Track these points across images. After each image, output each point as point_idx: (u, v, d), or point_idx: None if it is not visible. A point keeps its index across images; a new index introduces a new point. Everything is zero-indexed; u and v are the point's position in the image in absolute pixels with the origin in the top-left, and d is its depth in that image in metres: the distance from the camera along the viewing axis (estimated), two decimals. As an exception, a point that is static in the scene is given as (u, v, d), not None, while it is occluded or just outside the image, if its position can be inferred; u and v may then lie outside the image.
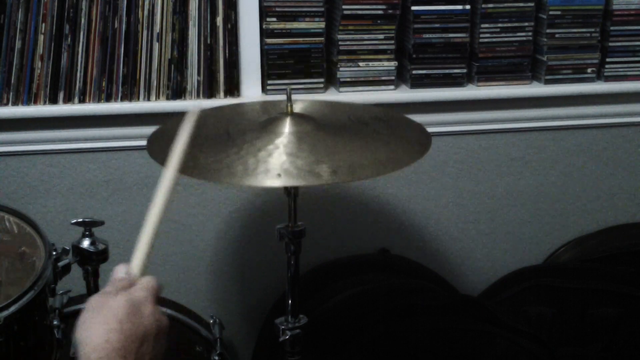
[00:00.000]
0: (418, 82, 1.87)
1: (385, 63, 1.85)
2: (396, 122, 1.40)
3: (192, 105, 1.19)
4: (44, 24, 1.67)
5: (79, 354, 0.90)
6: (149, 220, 1.04)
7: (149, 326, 0.94)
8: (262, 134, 1.29)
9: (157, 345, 0.95)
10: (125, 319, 0.91)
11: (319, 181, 1.15)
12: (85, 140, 1.77)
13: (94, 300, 0.95)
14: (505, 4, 1.85)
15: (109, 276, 1.00)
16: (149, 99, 1.74)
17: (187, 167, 1.22)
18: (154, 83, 1.74)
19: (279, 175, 1.16)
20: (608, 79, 1.96)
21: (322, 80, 1.83)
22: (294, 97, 1.36)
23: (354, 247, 2.01)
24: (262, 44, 1.79)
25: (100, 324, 0.91)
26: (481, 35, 1.87)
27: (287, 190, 1.37)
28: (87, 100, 1.72)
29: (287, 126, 1.30)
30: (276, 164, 1.19)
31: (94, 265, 1.38)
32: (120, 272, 0.98)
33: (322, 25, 1.80)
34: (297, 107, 1.43)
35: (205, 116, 1.49)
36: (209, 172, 1.20)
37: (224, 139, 1.31)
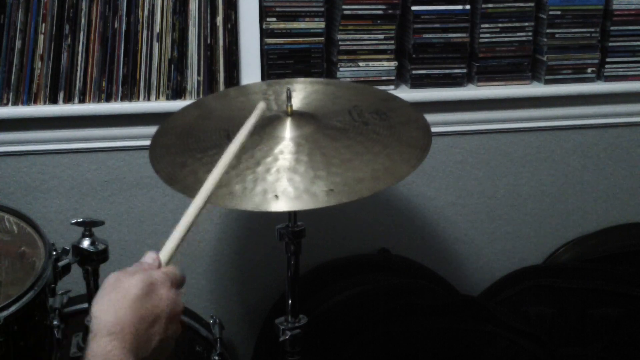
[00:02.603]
0: (418, 82, 1.87)
1: (385, 63, 1.85)
2: (397, 116, 1.40)
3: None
4: (44, 24, 1.67)
5: (91, 329, 0.93)
6: (187, 215, 1.07)
7: (162, 308, 0.96)
8: (262, 138, 1.30)
9: (170, 328, 0.98)
10: (138, 298, 0.94)
11: (316, 203, 1.18)
12: (85, 140, 1.77)
13: (111, 278, 0.97)
14: (505, 4, 1.85)
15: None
16: (149, 99, 1.74)
17: (187, 184, 1.23)
18: (154, 83, 1.74)
19: (276, 196, 1.19)
20: (608, 79, 1.96)
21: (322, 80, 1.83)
22: (294, 86, 1.36)
23: (354, 247, 2.01)
24: (262, 44, 1.79)
25: (113, 301, 0.94)
26: (481, 35, 1.87)
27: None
28: (87, 100, 1.72)
29: (287, 130, 1.30)
30: (274, 182, 1.21)
31: (94, 265, 1.38)
32: (149, 257, 1.01)
33: (322, 25, 1.80)
34: (298, 96, 1.43)
35: (209, 106, 1.50)
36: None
37: (224, 143, 1.31)
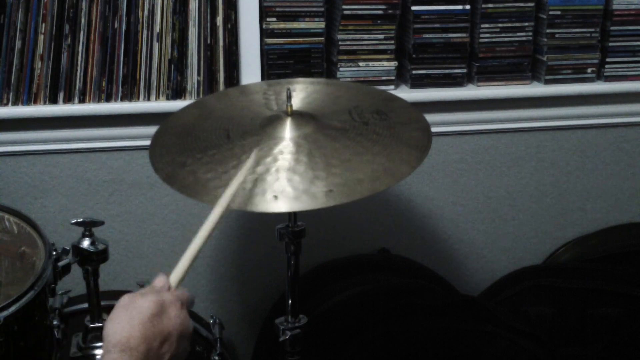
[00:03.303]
0: (418, 82, 1.87)
1: (385, 63, 1.85)
2: (397, 116, 1.40)
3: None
4: (44, 24, 1.67)
5: (103, 346, 0.96)
6: (196, 241, 1.12)
7: (172, 327, 0.99)
8: (262, 138, 1.30)
9: (179, 347, 1.01)
10: (150, 318, 0.97)
11: (315, 204, 1.18)
12: (85, 140, 1.77)
13: (124, 298, 1.00)
14: (505, 4, 1.85)
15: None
16: (149, 99, 1.74)
17: (186, 184, 1.24)
18: (154, 83, 1.74)
19: (275, 197, 1.19)
20: (608, 79, 1.96)
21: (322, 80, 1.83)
22: (294, 86, 1.36)
23: (354, 247, 2.01)
24: (262, 44, 1.79)
25: (126, 319, 0.97)
26: (481, 35, 1.87)
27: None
28: (87, 100, 1.72)
29: (286, 130, 1.30)
30: (273, 183, 1.21)
31: (94, 265, 1.38)
32: (159, 280, 1.05)
33: (322, 25, 1.80)
34: (298, 96, 1.43)
35: (210, 106, 1.50)
36: (206, 190, 1.23)
37: (224, 142, 1.31)
